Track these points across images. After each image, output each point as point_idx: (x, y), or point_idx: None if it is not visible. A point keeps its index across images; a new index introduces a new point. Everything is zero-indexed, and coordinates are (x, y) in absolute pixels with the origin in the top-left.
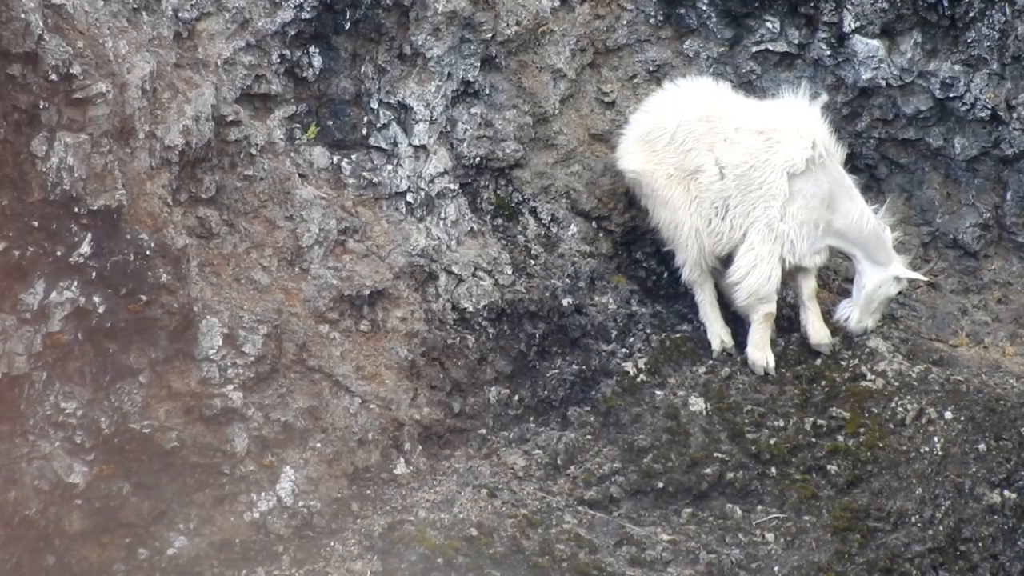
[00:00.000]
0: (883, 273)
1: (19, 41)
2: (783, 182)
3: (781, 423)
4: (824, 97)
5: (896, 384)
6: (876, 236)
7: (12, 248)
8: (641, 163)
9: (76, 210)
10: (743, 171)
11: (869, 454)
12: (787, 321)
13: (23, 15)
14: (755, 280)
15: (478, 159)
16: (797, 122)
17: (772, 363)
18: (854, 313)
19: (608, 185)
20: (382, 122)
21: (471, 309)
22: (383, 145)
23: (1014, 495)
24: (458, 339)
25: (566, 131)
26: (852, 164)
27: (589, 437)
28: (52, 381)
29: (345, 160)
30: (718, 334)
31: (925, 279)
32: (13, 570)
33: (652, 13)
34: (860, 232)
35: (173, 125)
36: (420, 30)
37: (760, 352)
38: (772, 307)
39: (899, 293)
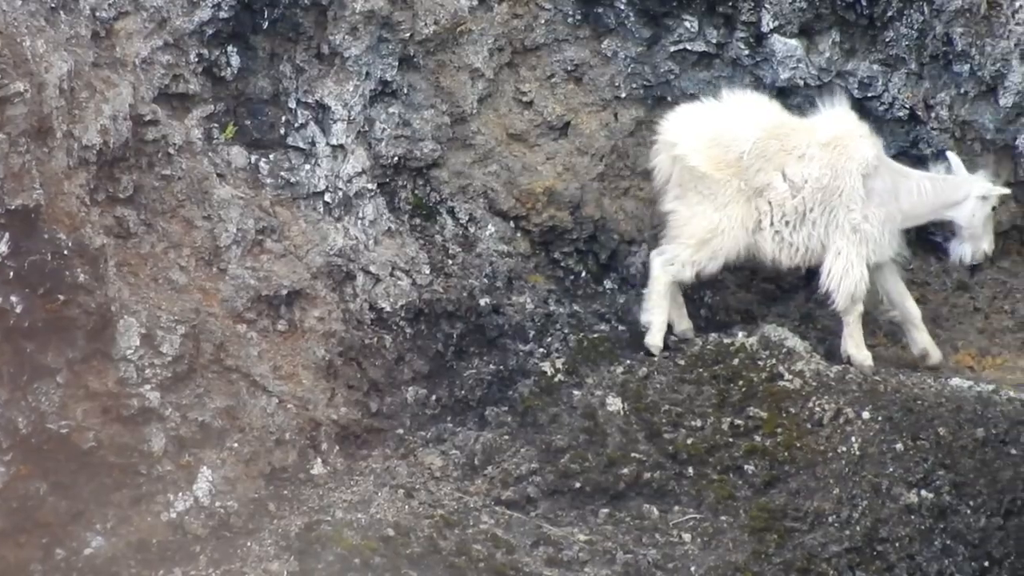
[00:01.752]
0: (967, 204)
1: None
2: (860, 185)
3: (698, 423)
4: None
5: (814, 384)
6: (938, 190)
7: None
8: (711, 167)
9: None
10: (825, 183)
11: (786, 454)
12: (703, 321)
13: None
14: (850, 283)
15: (396, 159)
16: (854, 128)
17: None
18: (965, 249)
19: (526, 185)
20: (300, 122)
21: (388, 309)
22: (301, 145)
23: (931, 495)
24: (375, 339)
25: (484, 131)
26: None
27: (506, 437)
28: None
29: (263, 160)
30: (662, 330)
31: (1005, 191)
32: None
33: (570, 12)
34: (924, 200)
35: (91, 125)
36: (338, 29)
37: (861, 351)
38: (862, 306)
39: (993, 208)
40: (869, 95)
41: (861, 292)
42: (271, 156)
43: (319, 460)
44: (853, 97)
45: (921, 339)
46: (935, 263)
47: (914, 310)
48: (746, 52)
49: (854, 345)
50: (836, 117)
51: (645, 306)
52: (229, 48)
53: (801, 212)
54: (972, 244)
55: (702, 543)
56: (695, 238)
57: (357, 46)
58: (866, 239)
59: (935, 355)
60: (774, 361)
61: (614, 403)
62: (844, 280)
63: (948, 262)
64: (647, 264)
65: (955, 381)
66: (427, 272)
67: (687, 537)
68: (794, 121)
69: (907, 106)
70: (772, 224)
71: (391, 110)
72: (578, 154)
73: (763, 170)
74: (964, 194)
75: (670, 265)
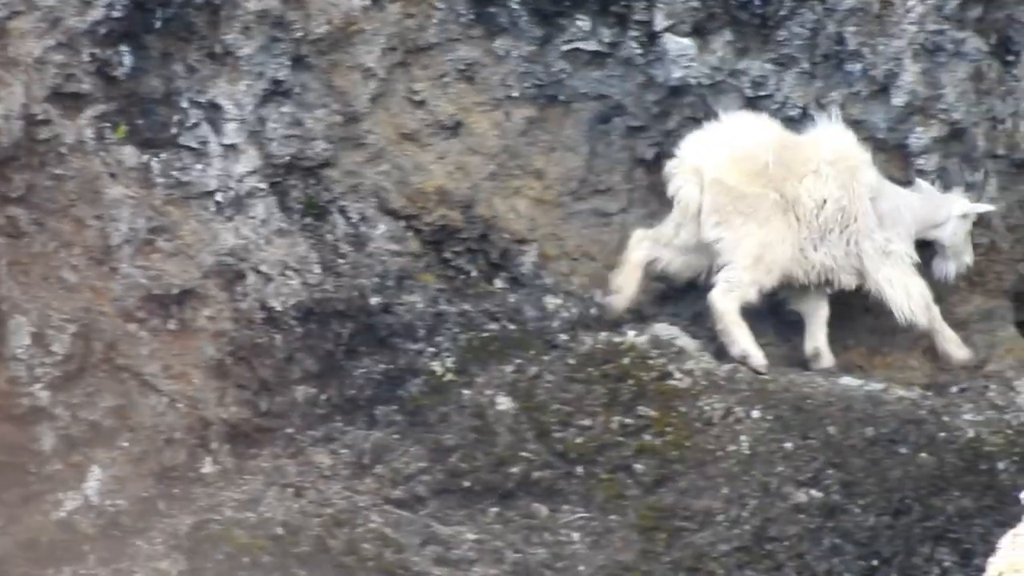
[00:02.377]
0: (949, 223)
1: None
2: (871, 210)
3: (588, 422)
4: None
5: (704, 383)
6: (926, 209)
7: None
8: (745, 183)
9: None
10: (843, 205)
11: (676, 453)
12: (594, 320)
13: None
14: (919, 302)
15: (287, 158)
16: (856, 150)
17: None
18: (949, 267)
19: (417, 184)
20: (192, 121)
21: (279, 308)
22: (193, 144)
23: (820, 494)
24: (266, 338)
25: (376, 130)
26: (661, 163)
27: (396, 436)
28: None
29: (155, 159)
30: (757, 348)
31: (987, 208)
32: None
33: (463, 12)
34: (917, 219)
35: None
36: (231, 29)
37: (961, 348)
38: (937, 307)
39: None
40: (761, 94)
41: (929, 301)
42: (163, 155)
43: (209, 459)
44: (745, 96)
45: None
46: None
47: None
48: (639, 51)
49: (956, 344)
50: (835, 135)
51: (728, 341)
52: (122, 48)
53: (822, 232)
54: (955, 261)
55: (591, 542)
56: (749, 257)
57: (249, 45)
58: (901, 256)
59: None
60: (664, 360)
61: (504, 402)
62: (912, 303)
63: (933, 279)
64: (709, 303)
65: (845, 380)
66: (318, 271)
67: (576, 536)
68: (795, 136)
69: (799, 105)
70: (798, 240)
71: (283, 109)
72: (469, 153)
73: (788, 180)
74: (946, 214)
75: (732, 291)
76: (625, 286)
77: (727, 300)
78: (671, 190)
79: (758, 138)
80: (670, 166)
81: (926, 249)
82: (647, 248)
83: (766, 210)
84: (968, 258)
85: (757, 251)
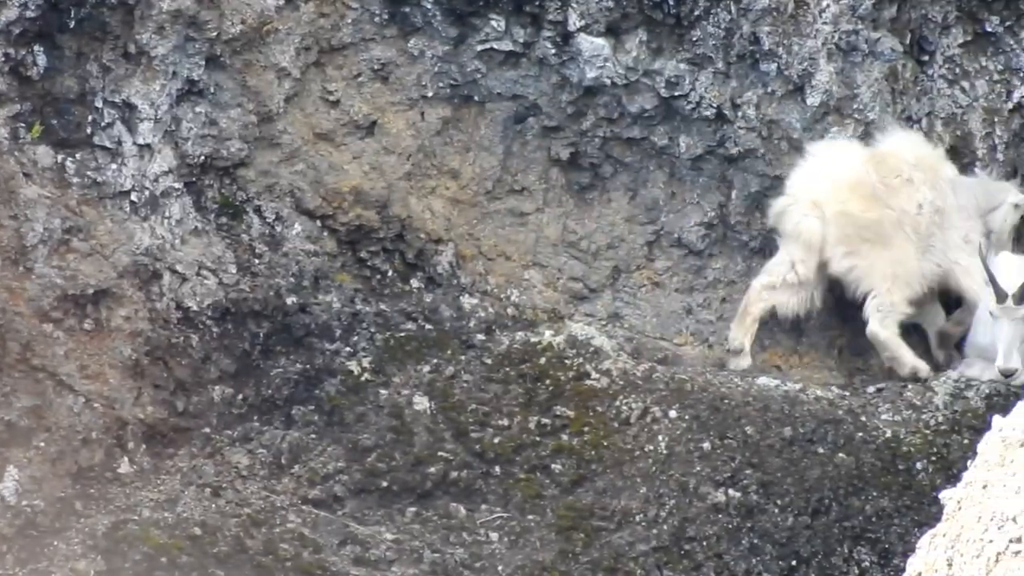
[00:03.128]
0: (1001, 209)
1: None
2: (955, 202)
3: (505, 422)
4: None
5: (621, 383)
6: (985, 195)
7: None
8: (864, 210)
9: None
10: (937, 206)
11: (594, 453)
12: (511, 320)
13: None
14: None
15: (202, 158)
16: (931, 148)
17: None
18: (991, 254)
19: (332, 184)
20: (107, 121)
21: (195, 308)
22: (107, 144)
23: (738, 494)
24: (182, 338)
25: (291, 130)
26: (576, 163)
27: (313, 436)
28: None
29: (69, 159)
30: (917, 359)
31: None
32: None
33: (377, 12)
34: (979, 205)
35: None
36: (145, 28)
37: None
38: None
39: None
40: (676, 94)
41: None
42: (78, 155)
43: (126, 459)
44: (660, 96)
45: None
46: (741, 262)
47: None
48: (553, 51)
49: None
50: (907, 138)
51: (898, 366)
52: (36, 47)
53: (927, 236)
54: (996, 248)
55: (509, 542)
56: (887, 280)
57: (164, 45)
58: (976, 246)
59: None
60: (581, 360)
61: (421, 402)
62: (982, 291)
63: None
64: (871, 337)
65: (762, 380)
66: (233, 271)
67: (494, 536)
68: (877, 150)
69: (714, 105)
70: (915, 252)
71: (198, 109)
72: (385, 153)
73: (893, 196)
74: (1000, 200)
75: (886, 317)
76: (747, 342)
77: (886, 328)
78: (788, 226)
79: (856, 162)
80: (783, 204)
81: None
82: (767, 299)
83: (888, 231)
84: (1007, 251)
85: (891, 270)
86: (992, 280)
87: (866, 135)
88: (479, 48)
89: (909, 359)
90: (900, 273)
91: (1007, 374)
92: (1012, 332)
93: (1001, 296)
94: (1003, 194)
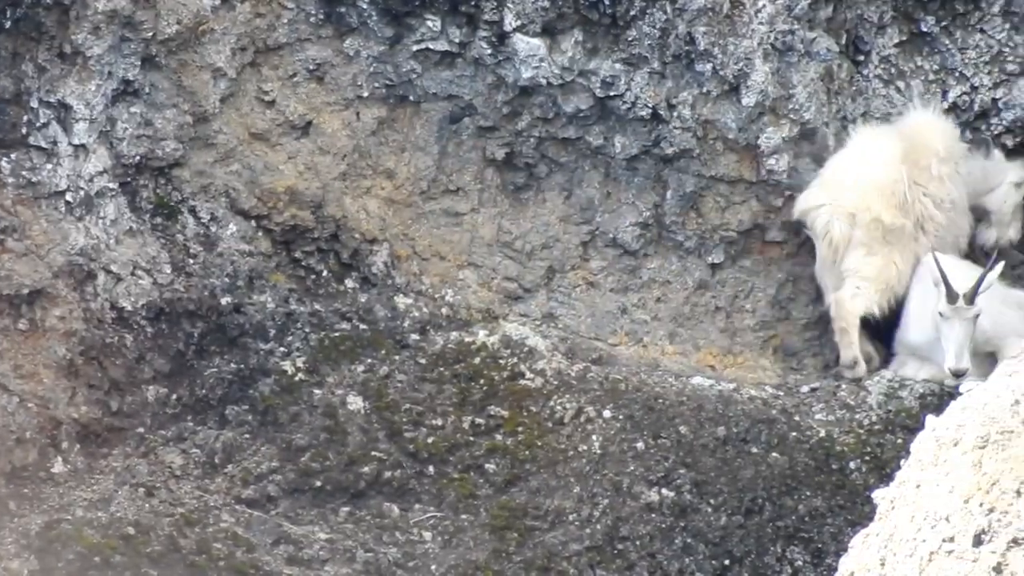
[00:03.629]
0: (1000, 189)
1: None
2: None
3: (439, 422)
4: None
5: (555, 383)
6: (984, 175)
7: None
8: (892, 217)
9: None
10: (953, 200)
11: (527, 453)
12: (445, 320)
13: None
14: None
15: (137, 158)
16: (958, 148)
17: None
18: (990, 234)
19: (268, 184)
20: (42, 121)
21: (130, 308)
22: (43, 144)
23: (672, 493)
24: (116, 338)
25: (226, 130)
26: (512, 163)
27: (247, 436)
28: None
29: (4, 159)
30: (859, 356)
31: None
32: None
33: (312, 12)
34: (973, 184)
35: None
36: (80, 29)
37: None
38: None
39: None
40: (611, 94)
41: None
42: (12, 155)
43: (60, 459)
44: (595, 96)
45: None
46: (676, 262)
47: None
48: (488, 51)
49: None
50: (940, 128)
51: (842, 343)
52: None
53: (955, 235)
54: (998, 230)
55: (443, 541)
56: (881, 281)
57: (99, 45)
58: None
59: None
60: (515, 360)
61: (355, 402)
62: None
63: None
64: (836, 298)
65: (696, 380)
66: (168, 271)
67: (428, 536)
68: (908, 143)
69: (649, 105)
70: (927, 252)
71: (133, 109)
72: (320, 153)
73: (917, 200)
74: (999, 180)
75: (857, 297)
76: (857, 353)
77: (854, 302)
78: (819, 226)
79: (891, 160)
80: (811, 203)
81: None
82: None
83: (904, 240)
84: (1014, 232)
85: (889, 280)
86: (944, 279)
87: (804, 134)
88: (415, 48)
89: (855, 348)
90: (893, 287)
91: (958, 374)
92: (963, 332)
93: (952, 296)
94: (1001, 174)
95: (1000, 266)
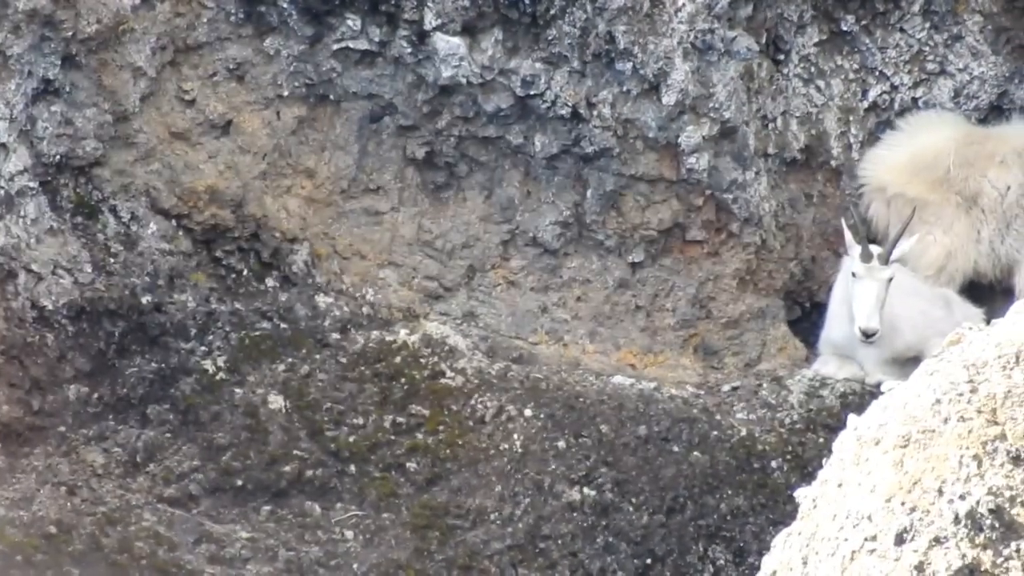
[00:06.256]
0: None
1: None
2: None
3: (360, 421)
4: None
5: (476, 382)
6: None
7: None
8: (927, 191)
9: None
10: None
11: (449, 452)
12: (366, 319)
13: None
14: None
15: (58, 157)
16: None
17: None
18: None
19: (188, 183)
20: None
21: (50, 307)
22: None
23: (593, 492)
24: (37, 337)
25: (146, 129)
26: (432, 162)
27: (168, 435)
28: None
29: None
30: None
31: None
32: None
33: (233, 11)
34: None
35: None
36: (0, 28)
37: None
38: None
39: None
40: (531, 93)
41: None
42: None
43: None
44: (516, 95)
45: None
46: (596, 261)
47: None
48: (409, 50)
49: None
50: None
51: None
52: None
53: (1007, 220)
54: None
55: (364, 540)
56: (933, 267)
57: (19, 44)
58: None
59: None
60: (436, 359)
61: (276, 401)
62: None
63: None
64: None
65: (617, 379)
66: (89, 270)
67: (349, 534)
68: (983, 129)
69: (569, 104)
70: (988, 233)
71: (53, 108)
72: (240, 152)
73: (971, 177)
74: None
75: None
76: None
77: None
78: (864, 211)
79: (938, 142)
80: (860, 192)
81: None
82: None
83: (950, 216)
84: None
85: (941, 261)
86: (860, 239)
87: (724, 133)
88: (335, 47)
89: None
90: (948, 267)
91: (868, 334)
92: (875, 293)
93: (867, 255)
94: None
95: (915, 238)
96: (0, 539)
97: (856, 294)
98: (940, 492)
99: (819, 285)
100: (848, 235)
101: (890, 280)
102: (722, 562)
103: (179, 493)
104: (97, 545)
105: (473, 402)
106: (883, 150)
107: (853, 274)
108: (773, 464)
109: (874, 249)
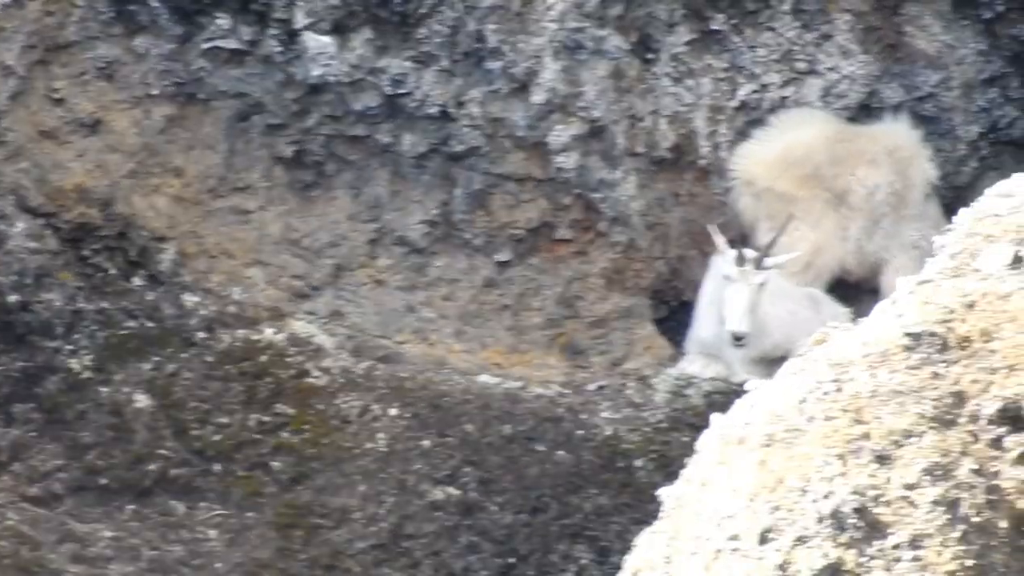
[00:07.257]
0: None
1: None
2: (922, 204)
3: (226, 420)
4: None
5: (341, 381)
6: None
7: None
8: (795, 187)
9: None
10: (895, 189)
11: (313, 451)
12: (232, 318)
13: None
14: None
15: None
16: (920, 146)
17: None
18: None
19: (56, 182)
20: None
21: None
22: None
23: (457, 492)
24: None
25: (15, 128)
26: (300, 161)
27: (33, 434)
28: None
29: None
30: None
31: None
32: None
33: (102, 10)
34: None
35: None
36: None
37: None
38: None
39: None
40: (400, 92)
41: None
42: None
43: None
44: (385, 94)
45: None
46: (463, 260)
47: None
48: (279, 49)
49: None
50: (900, 129)
51: None
52: None
53: (875, 219)
54: None
55: (228, 539)
56: (800, 263)
57: None
58: (922, 255)
59: None
60: (302, 358)
61: (141, 400)
62: None
63: None
64: None
65: (483, 378)
66: None
67: (213, 533)
68: (855, 127)
69: (439, 103)
70: (855, 231)
71: None
72: (109, 151)
73: (840, 174)
74: None
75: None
76: None
77: None
78: (736, 206)
79: (811, 139)
80: (730, 185)
81: None
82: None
83: (818, 212)
84: None
85: (808, 258)
86: (735, 244)
87: (593, 132)
88: (205, 46)
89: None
90: (815, 263)
91: (739, 337)
92: (747, 296)
93: (742, 259)
94: None
95: (795, 254)
96: None
97: (728, 297)
98: (804, 491)
99: (686, 284)
100: (719, 238)
101: (762, 285)
102: (585, 561)
103: (43, 492)
104: None
105: (338, 401)
106: (755, 144)
107: (726, 276)
108: (638, 463)
109: (748, 253)
